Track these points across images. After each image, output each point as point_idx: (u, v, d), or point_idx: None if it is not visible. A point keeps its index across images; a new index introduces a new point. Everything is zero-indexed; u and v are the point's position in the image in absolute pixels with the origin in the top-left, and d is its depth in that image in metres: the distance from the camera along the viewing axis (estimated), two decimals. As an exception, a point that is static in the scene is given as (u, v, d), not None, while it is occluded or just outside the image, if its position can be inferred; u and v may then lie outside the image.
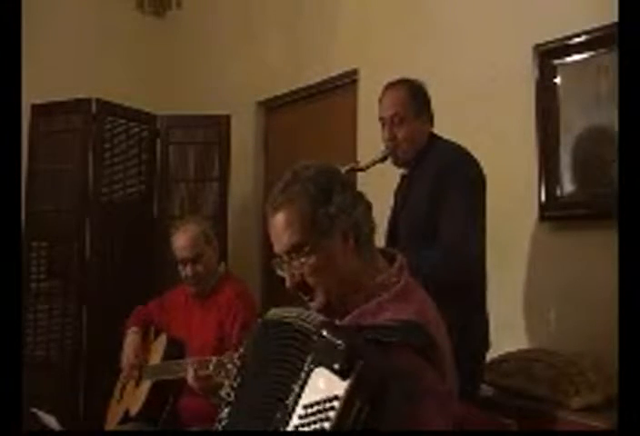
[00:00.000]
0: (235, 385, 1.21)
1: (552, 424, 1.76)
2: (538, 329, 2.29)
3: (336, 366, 0.96)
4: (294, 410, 1.01)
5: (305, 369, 1.02)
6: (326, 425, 0.95)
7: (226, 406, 1.20)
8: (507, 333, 2.26)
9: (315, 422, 0.97)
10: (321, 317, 1.11)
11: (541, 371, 1.87)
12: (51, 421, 1.77)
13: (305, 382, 1.01)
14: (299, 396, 1.01)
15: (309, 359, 1.02)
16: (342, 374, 0.96)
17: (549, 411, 1.78)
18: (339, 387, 0.95)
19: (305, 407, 0.99)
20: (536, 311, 2.30)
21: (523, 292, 2.33)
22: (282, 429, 1.01)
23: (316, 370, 1.01)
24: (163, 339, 2.37)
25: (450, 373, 1.16)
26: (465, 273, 1.85)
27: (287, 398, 1.02)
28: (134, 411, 2.28)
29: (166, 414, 2.22)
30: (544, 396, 1.83)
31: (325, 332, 1.02)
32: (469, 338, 1.83)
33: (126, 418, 2.32)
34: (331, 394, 0.96)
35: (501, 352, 2.04)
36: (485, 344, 1.93)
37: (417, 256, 1.73)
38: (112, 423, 2.40)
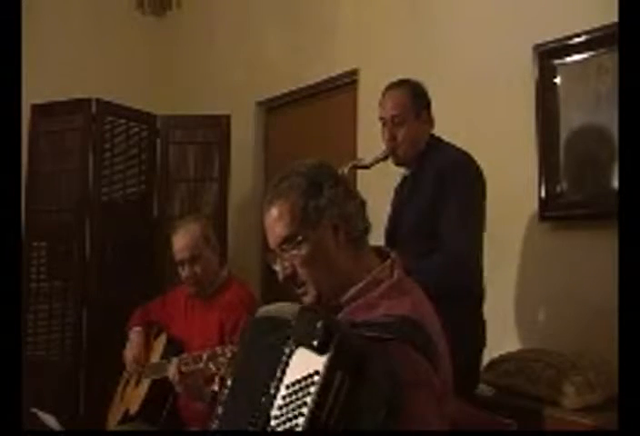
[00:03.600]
0: (228, 384, 1.22)
1: (552, 424, 1.76)
2: (538, 329, 2.29)
3: (315, 343, 0.98)
4: (277, 391, 1.03)
5: (287, 352, 1.04)
6: (308, 400, 0.96)
7: (220, 405, 1.21)
8: (507, 333, 2.27)
9: (297, 399, 0.98)
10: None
11: (541, 371, 1.87)
12: (51, 421, 1.77)
13: (287, 365, 1.04)
14: (281, 379, 1.03)
15: (289, 342, 1.05)
16: (321, 350, 0.98)
17: (549, 411, 1.78)
18: (319, 362, 0.97)
19: (288, 387, 1.01)
20: (536, 310, 2.30)
21: (523, 291, 2.33)
22: (268, 412, 1.02)
23: (297, 351, 1.03)
24: (162, 338, 2.37)
25: (445, 368, 1.17)
26: (467, 277, 1.89)
27: (271, 382, 1.04)
28: (133, 410, 2.28)
29: (166, 414, 2.22)
30: (544, 396, 1.83)
31: (303, 315, 1.05)
32: (468, 337, 1.86)
33: (126, 418, 2.32)
34: (311, 370, 0.98)
35: (501, 352, 2.04)
36: (483, 342, 1.95)
37: (420, 259, 1.76)
38: (112, 423, 2.40)
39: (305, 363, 1.00)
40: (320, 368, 0.97)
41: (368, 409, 0.96)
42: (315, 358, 0.99)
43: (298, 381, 1.00)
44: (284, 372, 1.04)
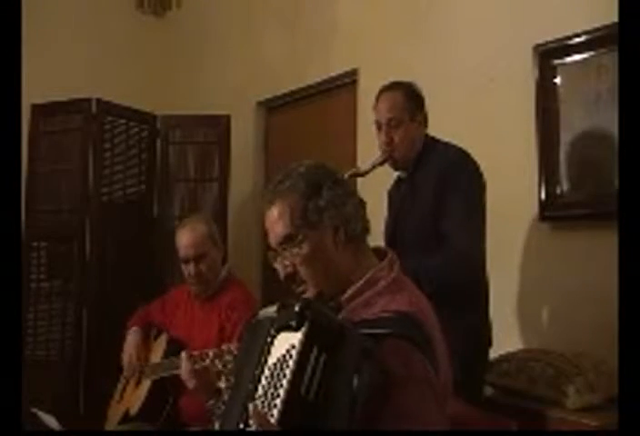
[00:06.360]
0: (230, 385, 1.23)
1: (552, 424, 1.76)
2: (538, 329, 2.29)
3: (293, 323, 1.02)
4: (262, 374, 1.05)
5: (269, 340, 1.07)
6: (287, 372, 0.99)
7: (222, 405, 1.22)
8: (507, 333, 2.27)
9: (278, 375, 1.01)
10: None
11: (541, 370, 1.87)
12: (51, 421, 1.77)
13: (270, 349, 1.07)
14: (266, 362, 1.06)
15: (272, 330, 1.08)
16: (297, 328, 1.01)
17: (549, 411, 1.78)
18: (295, 337, 1.01)
19: (270, 368, 1.04)
20: (536, 310, 2.30)
21: (523, 291, 2.33)
22: (254, 395, 1.04)
23: (279, 336, 1.07)
24: (163, 339, 2.37)
25: (445, 370, 1.17)
26: (474, 276, 1.89)
27: (257, 369, 1.07)
28: (133, 410, 2.28)
29: (166, 414, 2.22)
30: (544, 396, 1.83)
31: (283, 305, 1.09)
32: (476, 337, 1.88)
33: (126, 418, 2.32)
34: (289, 346, 1.01)
35: (501, 352, 2.04)
36: (489, 342, 1.96)
37: (426, 260, 1.76)
38: (112, 423, 2.40)
39: (285, 343, 1.03)
40: (296, 342, 1.00)
41: (347, 385, 0.98)
42: (292, 335, 1.02)
43: (278, 360, 1.02)
44: (268, 353, 1.06)
